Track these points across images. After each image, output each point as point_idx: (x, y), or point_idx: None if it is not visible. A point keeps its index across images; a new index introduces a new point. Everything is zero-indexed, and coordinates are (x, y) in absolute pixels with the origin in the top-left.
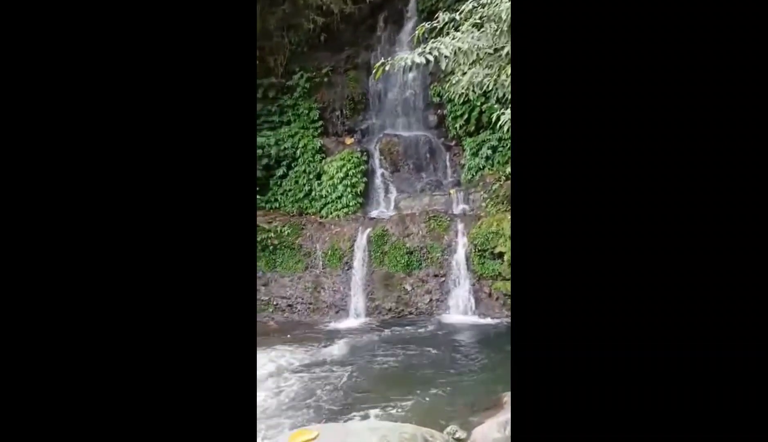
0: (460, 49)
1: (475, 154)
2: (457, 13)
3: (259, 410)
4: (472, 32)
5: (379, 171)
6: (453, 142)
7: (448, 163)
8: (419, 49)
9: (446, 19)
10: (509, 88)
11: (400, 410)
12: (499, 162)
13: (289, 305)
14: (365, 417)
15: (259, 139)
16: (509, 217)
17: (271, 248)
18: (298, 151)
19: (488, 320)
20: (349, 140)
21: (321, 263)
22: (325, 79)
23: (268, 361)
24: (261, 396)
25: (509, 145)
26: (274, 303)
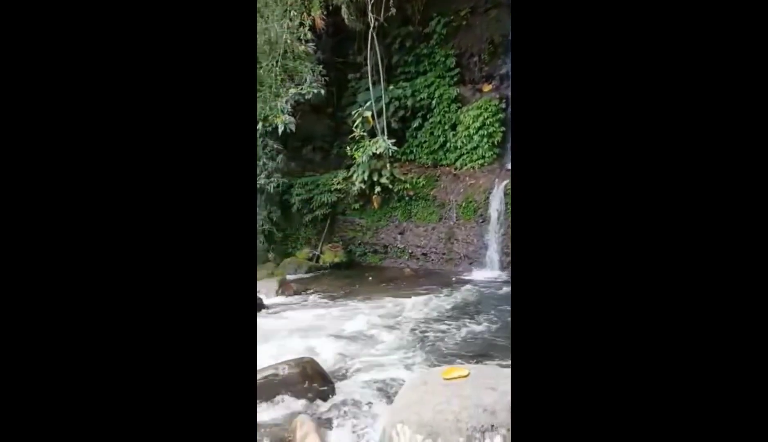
0: None
1: None
2: None
3: (408, 347)
4: None
5: None
6: None
7: None
8: None
9: None
10: None
11: None
12: None
13: (424, 254)
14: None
15: (395, 91)
16: None
17: (406, 198)
18: (433, 102)
19: None
20: (486, 87)
21: (455, 214)
22: (463, 23)
23: (408, 305)
24: (404, 338)
25: None
26: (409, 251)
